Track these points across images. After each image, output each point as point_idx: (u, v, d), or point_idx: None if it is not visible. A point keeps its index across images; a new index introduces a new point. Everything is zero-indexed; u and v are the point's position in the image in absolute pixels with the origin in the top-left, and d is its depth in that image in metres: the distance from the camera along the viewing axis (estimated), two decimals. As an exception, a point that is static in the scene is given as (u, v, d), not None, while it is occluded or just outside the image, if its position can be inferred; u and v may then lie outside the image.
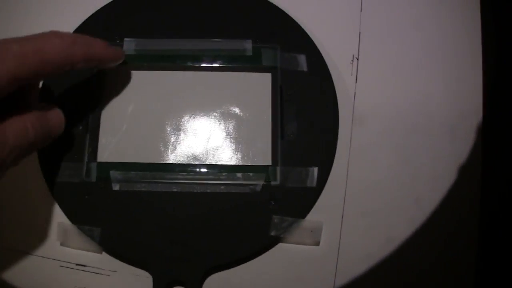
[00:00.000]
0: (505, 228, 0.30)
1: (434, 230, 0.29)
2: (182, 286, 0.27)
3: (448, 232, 0.29)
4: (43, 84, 0.29)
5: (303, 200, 0.28)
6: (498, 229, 0.30)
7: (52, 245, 0.29)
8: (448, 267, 0.29)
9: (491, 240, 0.29)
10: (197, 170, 0.28)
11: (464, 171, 0.30)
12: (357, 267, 0.29)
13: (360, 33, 0.31)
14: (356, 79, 0.31)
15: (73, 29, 0.30)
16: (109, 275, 0.28)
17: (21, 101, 0.24)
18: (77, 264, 0.28)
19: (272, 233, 0.28)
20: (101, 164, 0.29)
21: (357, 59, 0.31)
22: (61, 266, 0.29)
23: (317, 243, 0.29)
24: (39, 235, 0.29)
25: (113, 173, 0.28)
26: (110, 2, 0.31)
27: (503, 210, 0.30)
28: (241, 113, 0.30)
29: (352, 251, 0.29)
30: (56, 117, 0.25)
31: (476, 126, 0.30)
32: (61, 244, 0.29)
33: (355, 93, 0.30)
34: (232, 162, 0.29)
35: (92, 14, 0.31)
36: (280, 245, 0.29)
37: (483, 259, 0.29)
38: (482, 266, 0.29)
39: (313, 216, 0.29)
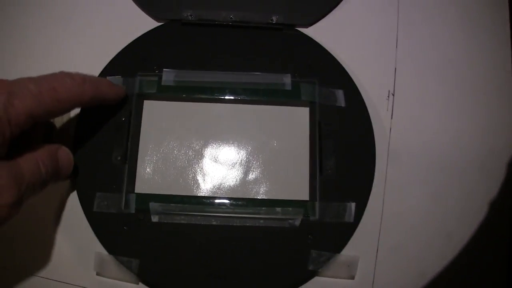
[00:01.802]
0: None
1: (465, 265, 0.30)
2: (220, 319, 0.28)
3: (479, 268, 0.30)
4: (82, 112, 0.29)
5: (340, 235, 0.29)
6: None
7: (88, 275, 0.29)
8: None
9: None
10: (237, 203, 0.29)
11: (495, 207, 0.30)
12: (391, 301, 0.29)
13: (395, 69, 0.32)
14: (392, 115, 0.31)
15: (110, 59, 0.30)
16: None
17: (32, 138, 0.26)
18: (113, 294, 0.28)
19: (310, 267, 0.28)
20: (140, 195, 0.29)
21: (393, 95, 0.31)
22: (97, 296, 0.28)
23: (353, 277, 0.29)
24: (76, 265, 0.29)
25: (153, 205, 0.28)
26: (148, 32, 0.31)
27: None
28: (279, 147, 0.30)
29: (386, 285, 0.29)
30: (65, 157, 0.26)
31: (507, 162, 0.31)
32: (98, 274, 0.29)
33: (390, 128, 0.31)
34: (270, 196, 0.29)
35: (129, 44, 0.31)
36: (316, 278, 0.29)
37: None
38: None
39: (349, 250, 0.29)
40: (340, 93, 0.30)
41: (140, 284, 0.29)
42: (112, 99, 0.28)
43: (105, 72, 0.30)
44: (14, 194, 0.22)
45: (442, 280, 0.29)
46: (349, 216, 0.29)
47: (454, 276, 0.29)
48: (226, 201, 0.29)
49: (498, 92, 0.32)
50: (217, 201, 0.29)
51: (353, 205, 0.29)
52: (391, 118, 0.31)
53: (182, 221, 0.28)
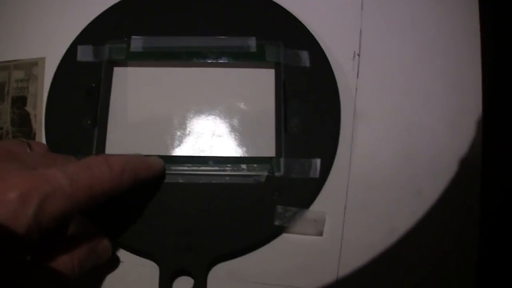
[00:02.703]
0: (506, 219, 0.30)
1: (435, 221, 0.29)
2: (188, 276, 0.28)
3: (450, 223, 0.30)
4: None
5: (306, 191, 0.29)
6: (499, 220, 0.30)
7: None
8: (450, 258, 0.29)
9: (492, 231, 0.30)
10: (203, 161, 0.29)
11: (464, 164, 0.30)
12: (360, 258, 0.29)
13: (361, 30, 0.32)
14: (358, 75, 0.31)
15: (82, 29, 0.31)
16: (116, 267, 0.29)
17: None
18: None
19: (276, 223, 0.28)
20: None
21: (358, 55, 0.32)
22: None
23: (321, 234, 0.29)
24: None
25: (122, 165, 0.29)
26: (118, 2, 0.32)
27: (503, 201, 0.30)
28: (246, 107, 0.30)
29: (355, 242, 0.29)
30: (104, 250, 0.25)
31: (476, 120, 0.31)
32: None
33: (356, 88, 0.31)
34: (237, 154, 0.30)
35: (101, 14, 0.32)
36: (284, 235, 0.29)
37: (485, 250, 0.29)
38: (484, 256, 0.29)
39: (317, 207, 0.29)
40: (304, 54, 0.31)
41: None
42: (149, 181, 0.26)
43: (77, 41, 0.31)
44: None
45: (412, 236, 0.29)
46: (314, 172, 0.29)
47: (424, 233, 0.29)
48: (192, 159, 0.29)
49: (466, 51, 0.32)
50: (182, 159, 0.29)
51: (318, 161, 0.29)
52: (357, 77, 0.31)
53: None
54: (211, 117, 0.31)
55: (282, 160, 0.29)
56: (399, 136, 0.31)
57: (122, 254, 0.29)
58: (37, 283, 0.20)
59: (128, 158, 0.24)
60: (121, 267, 0.29)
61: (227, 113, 0.31)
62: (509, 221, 0.30)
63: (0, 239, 0.18)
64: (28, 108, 0.31)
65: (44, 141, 0.30)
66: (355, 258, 0.29)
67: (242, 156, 0.30)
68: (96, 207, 0.22)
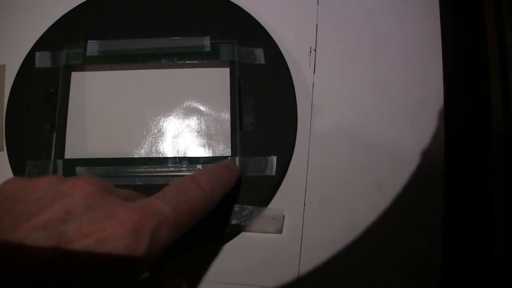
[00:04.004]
0: (469, 211, 0.30)
1: (397, 215, 0.29)
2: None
3: (412, 217, 0.29)
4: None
5: (263, 189, 0.29)
6: (462, 212, 0.30)
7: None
8: (413, 251, 0.29)
9: (455, 224, 0.29)
10: (159, 163, 0.29)
11: (426, 155, 0.30)
12: (321, 254, 0.29)
13: (317, 25, 0.32)
14: (314, 70, 0.31)
15: (40, 35, 0.32)
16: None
17: None
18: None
19: (233, 222, 0.28)
20: (67, 161, 0.30)
21: (315, 50, 0.31)
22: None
23: (280, 231, 0.29)
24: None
25: (79, 169, 0.29)
26: (75, 7, 0.32)
27: (467, 193, 0.30)
28: (202, 107, 0.31)
29: (315, 238, 0.29)
30: None
31: (438, 110, 0.31)
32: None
33: (313, 83, 0.31)
34: (194, 154, 0.30)
35: (58, 19, 0.32)
36: (243, 234, 0.29)
37: (449, 243, 0.29)
38: (448, 250, 0.29)
39: (276, 205, 0.29)
40: (259, 51, 0.31)
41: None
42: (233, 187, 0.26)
43: (35, 47, 0.32)
44: None
45: (374, 231, 0.29)
46: (271, 170, 0.29)
47: (386, 227, 0.29)
48: (149, 161, 0.29)
49: (426, 40, 0.32)
50: (140, 161, 0.29)
51: (274, 158, 0.29)
52: (314, 73, 0.31)
53: (107, 183, 0.29)
54: (168, 118, 0.31)
55: (237, 159, 0.29)
56: (358, 130, 0.30)
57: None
58: None
59: (213, 172, 0.24)
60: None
61: (184, 114, 0.31)
62: (472, 213, 0.30)
63: (116, 274, 0.18)
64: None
65: (4, 147, 0.30)
66: (316, 255, 0.29)
67: (198, 156, 0.29)
68: None
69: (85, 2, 0.32)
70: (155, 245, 0.19)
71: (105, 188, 0.20)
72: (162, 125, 0.30)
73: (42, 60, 0.31)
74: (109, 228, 0.18)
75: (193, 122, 0.30)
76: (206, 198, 0.22)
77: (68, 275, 0.17)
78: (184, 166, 0.29)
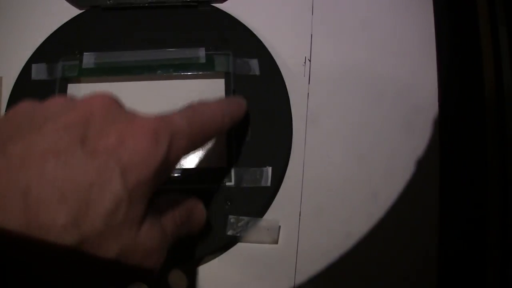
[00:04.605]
0: (464, 220, 0.30)
1: (392, 224, 0.29)
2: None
3: (407, 226, 0.29)
4: None
5: (258, 200, 0.29)
6: (458, 221, 0.30)
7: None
8: (408, 261, 0.29)
9: (450, 233, 0.29)
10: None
11: (421, 165, 0.30)
12: (317, 264, 0.29)
13: (311, 35, 0.32)
14: (309, 80, 0.31)
15: (37, 47, 0.32)
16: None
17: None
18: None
19: (229, 233, 0.28)
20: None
21: (310, 60, 0.31)
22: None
23: (275, 242, 0.29)
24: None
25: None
26: (71, 19, 0.32)
27: (461, 203, 0.30)
28: (197, 118, 0.31)
29: (311, 248, 0.29)
30: (200, 215, 0.25)
31: (433, 119, 0.31)
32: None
33: (308, 93, 0.31)
34: (190, 165, 0.30)
35: (54, 32, 0.32)
36: (239, 244, 0.29)
37: (444, 253, 0.29)
38: (443, 260, 0.29)
39: (271, 215, 0.29)
40: (254, 62, 0.31)
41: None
42: (241, 118, 0.27)
43: (32, 60, 0.32)
44: (160, 257, 0.21)
45: (369, 240, 0.29)
46: (266, 181, 0.29)
47: (382, 237, 0.29)
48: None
49: (421, 49, 0.32)
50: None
51: (269, 169, 0.29)
52: (309, 83, 0.31)
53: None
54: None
55: (233, 170, 0.29)
56: (353, 139, 0.31)
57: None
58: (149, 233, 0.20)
59: (223, 102, 0.26)
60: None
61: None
62: (468, 222, 0.30)
63: (135, 175, 0.18)
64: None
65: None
66: (312, 265, 0.29)
67: (194, 167, 0.30)
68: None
69: (80, 14, 0.33)
70: (172, 153, 0.20)
71: (120, 102, 0.21)
72: (158, 136, 0.31)
73: (39, 72, 0.31)
74: (130, 131, 0.19)
75: (188, 133, 0.30)
76: (217, 122, 0.23)
77: (88, 170, 0.17)
78: (180, 177, 0.29)
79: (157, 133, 0.19)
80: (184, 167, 0.30)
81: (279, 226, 0.29)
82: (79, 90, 0.32)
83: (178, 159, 0.20)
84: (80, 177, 0.17)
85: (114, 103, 0.20)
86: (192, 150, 0.22)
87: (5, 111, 0.31)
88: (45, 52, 0.32)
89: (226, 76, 0.31)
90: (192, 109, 0.22)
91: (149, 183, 0.19)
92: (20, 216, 0.16)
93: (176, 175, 0.29)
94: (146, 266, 0.20)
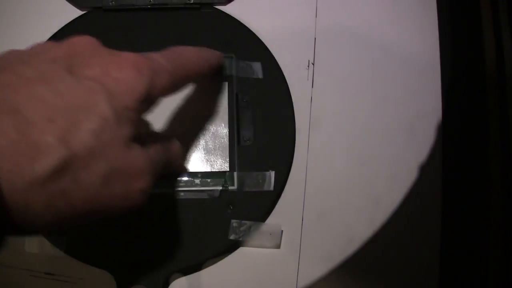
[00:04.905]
0: (466, 226, 0.30)
1: (395, 229, 0.29)
2: (146, 291, 0.28)
3: (409, 231, 0.29)
4: None
5: (261, 204, 0.29)
6: (460, 227, 0.30)
7: (21, 255, 0.30)
8: (410, 267, 0.29)
9: (452, 239, 0.29)
10: (157, 178, 0.29)
11: (424, 171, 0.30)
12: (319, 269, 0.29)
13: (315, 39, 0.32)
14: (313, 84, 0.31)
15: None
16: (75, 283, 0.29)
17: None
18: (45, 273, 0.29)
19: (231, 237, 0.28)
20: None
21: (313, 64, 0.31)
22: (30, 275, 0.29)
23: (278, 246, 0.29)
24: (7, 246, 0.30)
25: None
26: (69, 23, 0.32)
27: (464, 208, 0.30)
28: (200, 122, 0.30)
29: (313, 253, 0.29)
30: (176, 148, 0.26)
31: (436, 124, 0.31)
32: (30, 254, 0.30)
33: (311, 97, 0.31)
34: (192, 169, 0.30)
35: (55, 33, 0.32)
36: (241, 249, 0.29)
37: (446, 258, 0.29)
38: (445, 264, 0.29)
39: (274, 220, 0.29)
40: (257, 65, 0.31)
41: (71, 261, 0.29)
42: (215, 70, 0.28)
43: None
44: (148, 180, 0.21)
45: (371, 245, 0.29)
46: (268, 185, 0.29)
47: (384, 241, 0.29)
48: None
49: (424, 54, 0.32)
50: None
51: (272, 173, 0.29)
52: (312, 87, 0.31)
53: (105, 198, 0.29)
54: (165, 133, 0.31)
55: (235, 174, 0.29)
56: (356, 144, 0.30)
57: (82, 270, 0.29)
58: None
59: (201, 48, 0.26)
60: (81, 283, 0.29)
61: (181, 128, 0.31)
62: (470, 227, 0.30)
63: (120, 102, 0.19)
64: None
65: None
66: (314, 269, 0.29)
67: (196, 171, 0.29)
68: None
69: (81, 15, 0.32)
70: (155, 87, 0.21)
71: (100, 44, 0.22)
72: (160, 139, 0.30)
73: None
74: (114, 63, 0.20)
75: (191, 136, 0.30)
76: (195, 64, 0.25)
77: (76, 93, 0.18)
78: (183, 181, 0.29)
79: (140, 66, 0.20)
80: (188, 171, 0.30)
81: (282, 231, 0.29)
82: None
83: (160, 94, 0.22)
84: (68, 99, 0.18)
85: (96, 42, 0.21)
86: (173, 90, 0.23)
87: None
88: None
89: (229, 79, 0.31)
90: (171, 51, 0.23)
91: (134, 109, 0.20)
92: (12, 132, 0.16)
93: (179, 178, 0.29)
94: (134, 187, 0.20)
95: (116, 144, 0.19)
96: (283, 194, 0.30)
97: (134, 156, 0.20)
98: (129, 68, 0.20)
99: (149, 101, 0.21)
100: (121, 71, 0.20)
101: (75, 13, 0.33)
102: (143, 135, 0.22)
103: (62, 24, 0.32)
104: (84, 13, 0.32)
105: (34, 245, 0.29)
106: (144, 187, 0.21)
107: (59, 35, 0.32)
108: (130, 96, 0.19)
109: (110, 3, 0.32)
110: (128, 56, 0.20)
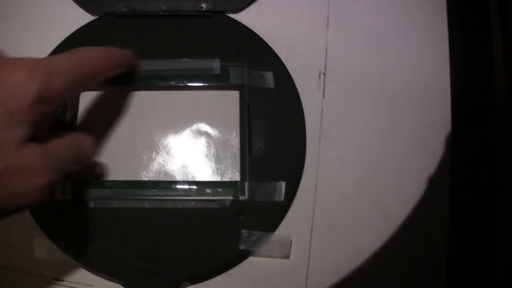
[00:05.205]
0: (474, 239, 0.30)
1: (402, 241, 0.29)
2: (155, 300, 0.28)
3: (417, 243, 0.30)
4: None
5: (271, 214, 0.29)
6: (467, 240, 0.30)
7: (30, 261, 0.30)
8: (418, 278, 0.29)
9: (460, 251, 0.30)
10: (168, 186, 0.29)
11: (433, 183, 0.30)
12: (327, 279, 0.29)
13: (326, 49, 0.32)
14: (324, 94, 0.31)
15: (48, 54, 0.31)
16: (84, 290, 0.29)
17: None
18: (54, 279, 0.29)
19: (241, 247, 0.28)
20: (76, 182, 0.30)
21: (324, 74, 0.31)
22: (39, 281, 0.29)
23: (287, 256, 0.29)
24: (17, 251, 0.30)
25: (88, 191, 0.29)
26: (82, 26, 0.32)
27: (472, 221, 0.30)
28: (211, 130, 0.30)
29: (322, 264, 0.29)
30: (87, 144, 0.27)
31: (445, 137, 0.31)
32: (38, 259, 0.30)
33: (322, 108, 0.31)
34: (203, 178, 0.30)
35: (65, 39, 0.32)
36: (250, 258, 0.29)
37: (453, 270, 0.29)
38: (453, 277, 0.29)
39: (283, 230, 0.29)
40: (269, 75, 0.31)
41: (80, 268, 0.29)
42: (124, 69, 0.29)
43: (43, 66, 0.31)
44: (46, 176, 0.22)
45: (379, 257, 0.29)
46: (279, 195, 0.29)
47: (392, 253, 0.29)
48: (158, 184, 0.29)
49: (434, 66, 0.32)
50: (148, 184, 0.29)
51: (283, 184, 0.29)
52: (323, 97, 0.31)
53: (116, 205, 0.29)
54: (177, 141, 0.31)
55: (246, 184, 0.29)
56: (366, 155, 0.31)
57: (92, 278, 0.29)
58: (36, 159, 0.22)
59: (105, 48, 0.27)
60: (91, 292, 0.29)
61: (193, 136, 0.31)
62: (478, 240, 0.30)
63: (12, 106, 0.20)
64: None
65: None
66: (322, 280, 0.29)
67: (207, 180, 0.30)
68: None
69: (93, 21, 0.32)
70: (51, 87, 0.22)
71: None
72: (171, 147, 0.30)
73: (50, 79, 0.31)
74: (6, 69, 0.21)
75: (202, 145, 0.30)
76: (96, 61, 0.25)
77: None
78: (193, 191, 0.29)
79: (31, 70, 0.21)
80: (197, 179, 0.30)
81: (291, 241, 0.29)
82: (91, 97, 0.31)
83: (59, 94, 0.22)
84: None
85: None
86: (75, 89, 0.25)
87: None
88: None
89: (241, 88, 0.31)
90: (71, 52, 0.24)
91: (27, 111, 0.21)
92: None
93: (189, 187, 0.29)
94: (31, 185, 0.21)
95: (8, 145, 0.20)
96: (293, 205, 0.30)
97: (29, 155, 0.21)
98: (21, 72, 0.21)
99: (47, 101, 0.22)
100: (12, 76, 0.21)
101: (87, 17, 0.32)
102: (44, 134, 0.23)
103: (74, 29, 0.32)
104: (96, 18, 0.32)
105: (44, 251, 0.29)
106: (43, 184, 0.22)
107: (71, 40, 0.32)
108: (22, 99, 0.21)
109: (122, 9, 0.32)
110: (22, 61, 0.21)
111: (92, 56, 0.25)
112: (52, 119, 0.25)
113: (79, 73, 0.24)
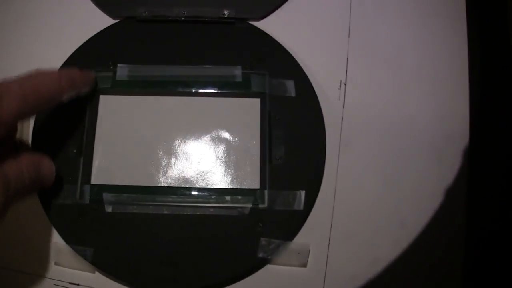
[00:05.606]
0: (491, 251, 0.30)
1: (419, 252, 0.30)
2: (172, 306, 0.28)
3: (434, 254, 0.30)
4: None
5: (290, 223, 0.29)
6: (484, 252, 0.30)
7: (47, 265, 0.30)
8: (434, 289, 0.29)
9: (477, 263, 0.30)
10: (187, 193, 0.29)
11: (450, 194, 0.30)
12: (344, 288, 0.29)
13: (347, 58, 0.32)
14: (344, 104, 0.31)
15: (68, 56, 0.31)
16: (101, 295, 0.29)
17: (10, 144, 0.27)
18: (71, 283, 0.29)
19: (260, 255, 0.28)
20: (94, 186, 0.29)
21: (345, 84, 0.31)
22: (55, 285, 0.29)
23: (305, 265, 0.29)
24: (34, 255, 0.30)
25: (106, 195, 0.29)
26: (103, 30, 0.32)
27: (488, 233, 0.30)
28: (231, 138, 0.30)
29: (339, 273, 0.29)
30: (48, 166, 0.27)
31: (462, 149, 0.31)
32: (56, 264, 0.29)
33: (342, 117, 0.31)
34: (222, 186, 0.30)
35: (86, 41, 0.32)
36: (268, 266, 0.29)
37: (470, 282, 0.29)
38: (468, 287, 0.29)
39: (301, 238, 0.29)
40: (290, 84, 0.31)
41: (97, 273, 0.29)
42: (85, 90, 0.29)
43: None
44: (0, 200, 0.22)
45: (396, 267, 0.29)
46: (299, 204, 0.29)
47: (408, 264, 0.29)
48: (177, 190, 0.29)
49: (453, 79, 0.32)
50: (168, 191, 0.29)
51: (302, 193, 0.29)
52: (343, 107, 0.31)
53: (134, 211, 0.29)
54: (196, 147, 0.31)
55: (266, 192, 0.29)
56: (384, 166, 0.31)
57: (108, 283, 0.29)
58: None
59: (65, 70, 0.28)
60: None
61: (212, 143, 0.31)
62: (494, 253, 0.30)
63: None
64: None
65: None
66: (339, 289, 0.29)
67: (226, 187, 0.30)
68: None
69: (114, 24, 0.32)
70: (3, 110, 0.22)
71: None
72: (190, 153, 0.30)
73: (70, 81, 0.31)
74: None
75: (221, 152, 0.30)
76: (54, 85, 0.26)
77: None
78: (213, 197, 0.29)
79: None
80: (216, 186, 0.30)
81: (309, 250, 0.29)
82: (112, 101, 0.31)
83: (12, 117, 0.23)
84: None
85: None
86: (29, 112, 0.25)
87: (34, 122, 0.31)
88: (77, 61, 0.31)
89: (262, 96, 0.31)
90: (26, 75, 0.25)
91: None
92: None
93: (209, 194, 0.29)
94: None
95: None
96: (311, 213, 0.30)
97: None
98: None
99: (1, 123, 0.22)
100: None
101: (107, 21, 0.32)
102: (6, 155, 0.24)
103: (94, 32, 0.32)
104: (117, 22, 0.32)
105: (61, 256, 0.29)
106: None
107: (90, 43, 0.32)
108: None
109: (143, 14, 0.32)
110: None
111: (48, 80, 0.26)
112: (6, 141, 0.25)
113: (32, 97, 0.24)
